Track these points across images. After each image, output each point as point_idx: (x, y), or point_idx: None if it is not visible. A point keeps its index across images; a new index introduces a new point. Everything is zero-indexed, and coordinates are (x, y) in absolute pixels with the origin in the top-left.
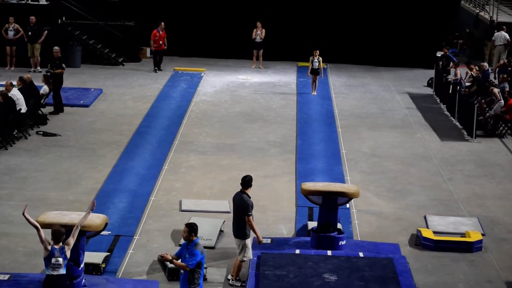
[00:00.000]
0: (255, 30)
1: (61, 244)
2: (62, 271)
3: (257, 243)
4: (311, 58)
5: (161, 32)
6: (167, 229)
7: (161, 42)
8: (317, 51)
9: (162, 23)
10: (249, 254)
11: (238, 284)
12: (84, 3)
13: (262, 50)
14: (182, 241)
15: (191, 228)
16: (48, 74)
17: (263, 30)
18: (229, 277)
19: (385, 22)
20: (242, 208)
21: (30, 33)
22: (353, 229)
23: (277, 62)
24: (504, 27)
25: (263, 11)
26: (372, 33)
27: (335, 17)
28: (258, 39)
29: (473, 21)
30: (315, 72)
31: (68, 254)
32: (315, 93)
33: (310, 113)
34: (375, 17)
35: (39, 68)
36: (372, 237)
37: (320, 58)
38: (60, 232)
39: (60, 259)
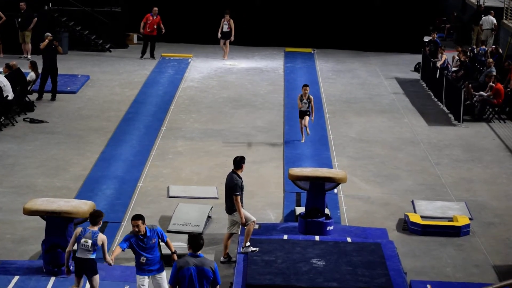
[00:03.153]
0: (222, 20)
1: (96, 228)
2: (91, 255)
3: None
4: (299, 96)
5: (154, 17)
6: (155, 215)
7: (155, 26)
8: (307, 87)
9: (155, 8)
10: (250, 217)
11: (250, 249)
12: None
13: (229, 41)
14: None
15: (143, 218)
16: (54, 46)
17: (231, 20)
18: (222, 259)
19: (372, 6)
20: (230, 187)
21: (19, 20)
22: (341, 214)
23: (264, 47)
24: (492, 11)
25: None
26: (360, 18)
27: (322, 2)
28: (225, 29)
29: (460, 6)
30: (303, 114)
31: (98, 243)
32: (308, 134)
33: None
34: (363, 1)
35: (29, 56)
36: (360, 222)
37: (311, 97)
38: (97, 214)
39: (89, 242)
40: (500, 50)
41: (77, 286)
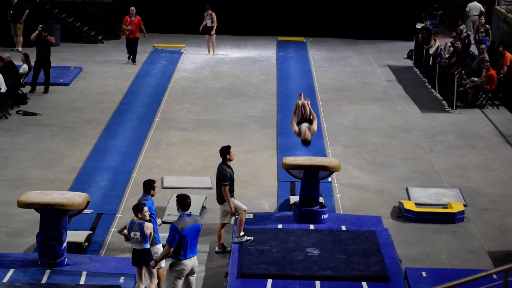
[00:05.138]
0: (205, 14)
1: (140, 219)
2: (144, 245)
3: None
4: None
5: (132, 18)
6: None
7: (130, 27)
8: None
9: (133, 8)
10: (241, 206)
11: (244, 239)
12: None
13: (214, 35)
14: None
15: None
16: (44, 37)
17: (213, 14)
18: (216, 249)
19: None
20: (219, 177)
21: (11, 12)
22: (335, 203)
23: (256, 37)
24: None
25: None
26: (352, 6)
27: None
28: (208, 24)
29: None
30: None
31: (146, 232)
32: None
33: (291, 87)
34: None
35: (20, 48)
36: (354, 210)
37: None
38: (137, 207)
39: (138, 234)
40: (489, 30)
41: (139, 276)
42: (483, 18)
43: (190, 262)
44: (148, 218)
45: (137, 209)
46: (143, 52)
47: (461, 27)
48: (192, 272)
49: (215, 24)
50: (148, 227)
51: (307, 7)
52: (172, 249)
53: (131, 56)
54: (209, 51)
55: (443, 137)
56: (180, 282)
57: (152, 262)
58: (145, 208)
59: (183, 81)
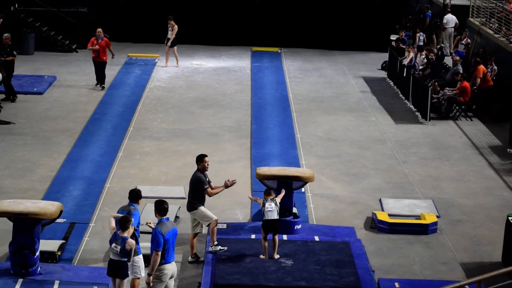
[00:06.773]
0: (168, 25)
1: (125, 234)
2: (122, 258)
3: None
4: (262, 200)
5: (99, 40)
6: None
7: (97, 48)
8: (272, 194)
9: (99, 30)
10: (211, 216)
11: (218, 248)
12: None
13: (175, 47)
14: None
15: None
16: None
17: (175, 26)
18: (190, 259)
19: (339, 5)
20: (194, 183)
21: None
22: (309, 213)
23: (231, 47)
24: (449, 9)
25: None
26: (326, 17)
27: (289, 1)
28: (169, 35)
29: (427, 4)
30: (270, 226)
31: (127, 249)
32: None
33: (265, 97)
34: (329, 0)
35: None
36: (328, 221)
37: (277, 200)
38: (125, 220)
39: (118, 248)
40: (469, 44)
41: (114, 286)
42: (466, 30)
43: (171, 267)
44: (132, 232)
45: (124, 222)
46: (117, 62)
47: (418, 34)
48: (171, 276)
49: (172, 36)
50: (130, 244)
51: (282, 18)
52: (160, 254)
53: (99, 83)
54: (166, 63)
55: (417, 148)
56: (162, 287)
57: (147, 278)
58: (129, 225)
59: (157, 91)
